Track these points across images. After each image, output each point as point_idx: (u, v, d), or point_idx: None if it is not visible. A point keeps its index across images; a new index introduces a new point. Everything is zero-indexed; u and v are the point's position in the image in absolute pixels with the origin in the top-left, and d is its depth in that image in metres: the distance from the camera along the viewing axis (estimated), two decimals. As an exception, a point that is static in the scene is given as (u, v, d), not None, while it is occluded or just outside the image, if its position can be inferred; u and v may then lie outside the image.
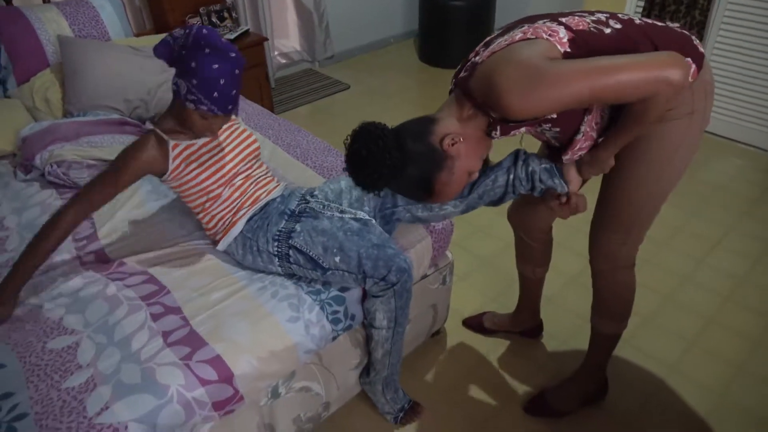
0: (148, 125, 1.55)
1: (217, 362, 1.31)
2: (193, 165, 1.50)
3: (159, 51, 1.40)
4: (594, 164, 1.34)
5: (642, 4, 3.22)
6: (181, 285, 1.52)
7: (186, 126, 1.44)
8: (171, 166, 1.47)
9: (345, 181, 1.66)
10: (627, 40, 1.15)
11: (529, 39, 1.14)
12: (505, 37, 1.19)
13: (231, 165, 1.57)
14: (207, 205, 1.56)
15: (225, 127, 1.61)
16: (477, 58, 1.21)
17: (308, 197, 1.65)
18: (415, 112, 3.64)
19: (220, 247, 1.61)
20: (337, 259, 1.47)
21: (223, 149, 1.56)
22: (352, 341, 1.62)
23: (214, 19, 3.14)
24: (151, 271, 1.57)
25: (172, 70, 2.42)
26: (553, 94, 1.06)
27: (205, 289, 1.50)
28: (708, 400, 1.83)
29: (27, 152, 2.00)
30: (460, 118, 1.24)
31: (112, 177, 1.42)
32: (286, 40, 4.24)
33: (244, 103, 2.54)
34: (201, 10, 3.09)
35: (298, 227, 1.54)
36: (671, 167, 1.33)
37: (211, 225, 1.60)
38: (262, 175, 1.67)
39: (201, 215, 1.59)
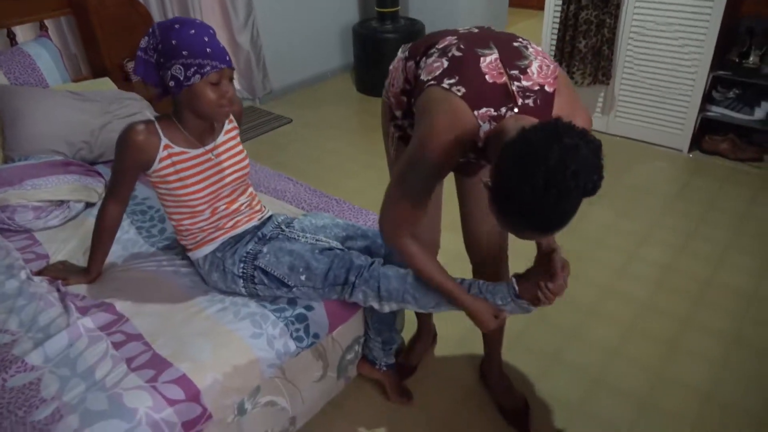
0: (98, 168, 1.56)
1: (183, 381, 1.34)
2: (183, 174, 1.51)
3: (139, 69, 1.45)
4: None
5: (557, 25, 3.49)
6: (139, 311, 1.55)
7: (196, 112, 1.44)
8: (156, 165, 1.48)
9: (328, 219, 1.72)
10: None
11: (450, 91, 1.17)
12: (443, 61, 1.22)
13: (221, 184, 1.58)
14: (185, 218, 1.58)
15: (223, 140, 1.59)
16: (421, 74, 1.27)
17: (284, 226, 1.70)
18: (357, 141, 3.79)
19: (191, 256, 1.65)
20: (303, 277, 1.53)
21: (216, 165, 1.56)
22: (313, 354, 1.67)
23: (152, 62, 3.18)
24: (107, 300, 1.59)
25: (115, 112, 2.48)
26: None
27: (164, 314, 1.53)
28: (645, 381, 1.98)
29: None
30: None
31: (116, 166, 1.51)
32: (225, 80, 4.31)
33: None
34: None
35: (265, 249, 1.59)
36: None
37: (183, 235, 1.62)
38: (246, 203, 1.68)
39: (175, 224, 1.61)
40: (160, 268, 1.72)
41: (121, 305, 1.57)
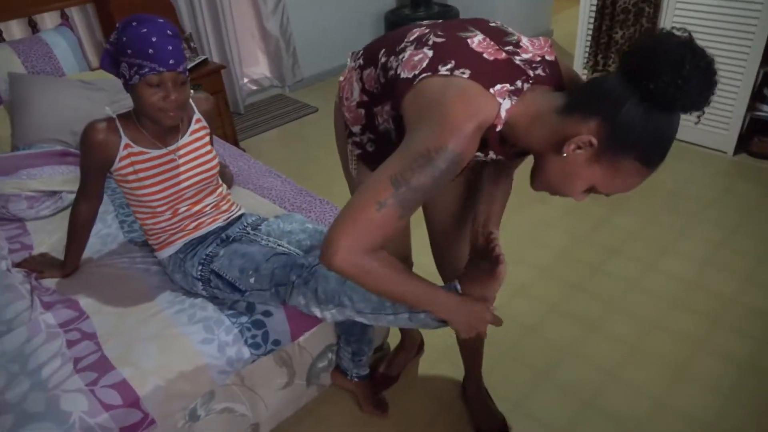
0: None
1: (122, 386, 1.32)
2: (141, 174, 1.49)
3: (104, 61, 1.42)
4: None
5: (593, 14, 3.26)
6: (100, 310, 1.54)
7: (141, 113, 1.43)
8: (116, 164, 1.47)
9: (297, 224, 1.66)
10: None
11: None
12: (424, 51, 1.08)
13: (182, 186, 1.55)
14: (147, 217, 1.57)
15: (188, 140, 1.56)
16: (399, 73, 1.11)
17: (250, 229, 1.67)
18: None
19: (157, 256, 1.64)
20: (252, 280, 1.48)
21: (177, 167, 1.54)
22: (276, 361, 1.62)
23: (172, 50, 3.20)
24: (73, 296, 1.59)
25: (124, 101, 2.51)
26: None
27: (123, 314, 1.52)
28: (645, 401, 1.82)
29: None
30: None
31: (81, 164, 1.50)
32: (255, 67, 4.31)
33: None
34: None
35: (222, 251, 1.55)
36: None
37: (149, 234, 1.62)
38: (212, 203, 1.65)
39: (140, 222, 1.61)
40: (132, 265, 1.72)
41: (85, 302, 1.57)
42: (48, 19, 2.93)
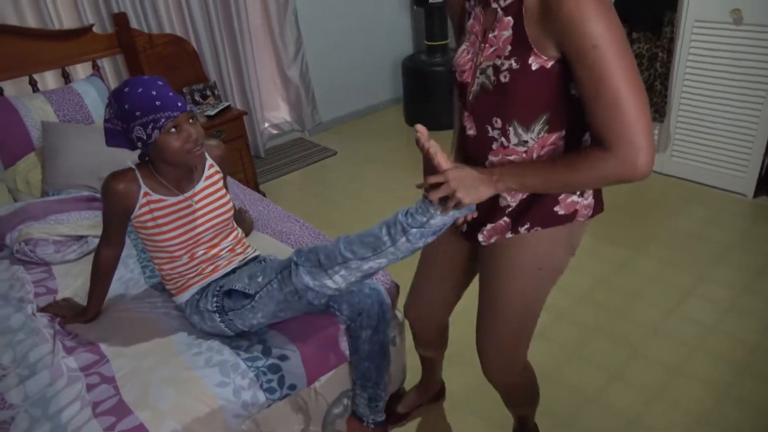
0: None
1: (139, 431, 1.33)
2: (160, 221, 1.54)
3: (110, 141, 1.51)
4: (480, 183, 1.11)
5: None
6: (120, 353, 1.57)
7: (168, 162, 1.47)
8: (136, 212, 1.53)
9: None
10: None
11: None
12: None
13: (198, 230, 1.60)
14: (165, 262, 1.61)
15: (204, 185, 1.62)
16: None
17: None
18: (401, 173, 3.74)
19: (176, 300, 1.68)
20: (260, 278, 1.51)
21: (194, 212, 1.59)
22: (292, 406, 1.63)
23: (197, 98, 3.32)
24: (94, 340, 1.63)
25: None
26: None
27: (141, 357, 1.55)
28: (671, 456, 1.77)
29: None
30: None
31: (103, 212, 1.56)
32: (276, 112, 4.43)
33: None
34: (184, 89, 3.28)
35: (233, 276, 1.61)
36: (548, 270, 1.29)
37: (166, 279, 1.66)
38: (228, 247, 1.70)
39: (157, 268, 1.65)
40: (153, 309, 1.75)
41: (105, 346, 1.60)
42: (80, 69, 3.07)
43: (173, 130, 1.40)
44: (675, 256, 2.68)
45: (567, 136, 1.12)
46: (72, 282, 1.93)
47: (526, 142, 1.12)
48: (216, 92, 3.40)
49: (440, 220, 1.21)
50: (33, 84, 2.85)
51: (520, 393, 1.58)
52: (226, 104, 3.32)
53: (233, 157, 3.28)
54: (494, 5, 1.08)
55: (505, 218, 1.23)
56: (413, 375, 2.01)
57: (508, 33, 1.06)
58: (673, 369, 2.08)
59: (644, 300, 2.43)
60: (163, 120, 1.38)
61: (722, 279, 2.50)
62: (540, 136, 1.11)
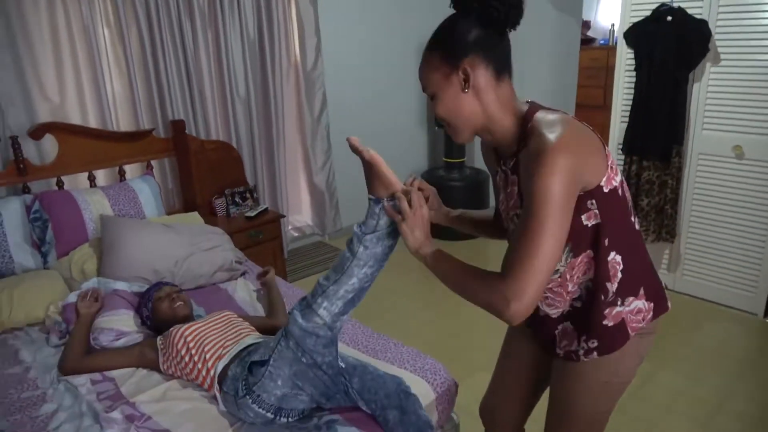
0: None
1: None
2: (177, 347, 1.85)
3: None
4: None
5: (619, 183, 3.60)
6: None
7: (165, 321, 2.06)
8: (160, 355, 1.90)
9: None
10: None
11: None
12: None
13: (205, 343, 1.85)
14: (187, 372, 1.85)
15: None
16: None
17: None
18: (417, 278, 3.87)
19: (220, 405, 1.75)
20: (271, 343, 1.62)
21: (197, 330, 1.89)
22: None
23: (237, 199, 3.50)
24: (154, 416, 1.70)
25: (199, 244, 2.71)
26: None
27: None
28: None
29: (67, 318, 2.19)
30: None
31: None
32: (299, 216, 4.62)
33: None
34: (226, 191, 3.47)
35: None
36: (616, 383, 1.36)
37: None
38: (231, 341, 1.86)
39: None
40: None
41: (161, 416, 1.68)
42: (129, 169, 3.26)
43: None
44: (701, 372, 2.77)
45: (594, 255, 1.24)
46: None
47: (557, 270, 1.26)
48: (255, 195, 3.59)
49: (386, 219, 1.34)
50: (91, 179, 3.02)
51: None
52: (264, 207, 3.51)
53: (268, 256, 3.41)
54: (504, 167, 1.31)
55: (568, 330, 1.33)
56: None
57: (516, 189, 1.27)
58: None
59: (676, 413, 2.49)
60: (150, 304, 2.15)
61: (748, 395, 2.59)
62: (568, 261, 1.25)
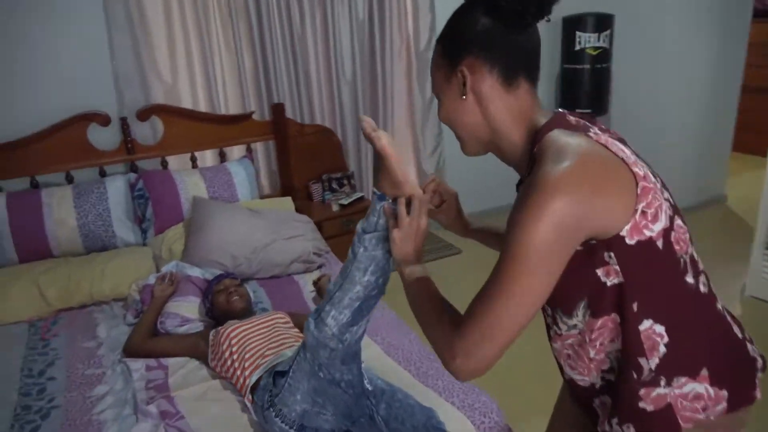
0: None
1: None
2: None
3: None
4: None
5: None
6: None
7: (223, 313, 2.07)
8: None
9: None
10: None
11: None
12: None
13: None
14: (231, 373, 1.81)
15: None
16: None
17: None
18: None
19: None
20: (292, 354, 1.56)
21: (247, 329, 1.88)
22: None
23: (334, 185, 3.45)
24: (187, 416, 1.70)
25: (281, 233, 2.70)
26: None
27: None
28: None
29: (143, 299, 2.29)
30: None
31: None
32: (406, 202, 4.48)
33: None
34: (323, 176, 3.43)
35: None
36: None
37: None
38: (272, 351, 1.79)
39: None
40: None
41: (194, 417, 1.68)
42: (236, 150, 3.34)
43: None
44: None
45: (621, 321, 0.96)
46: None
47: (575, 325, 1.01)
48: (352, 182, 3.51)
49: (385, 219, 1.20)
50: (193, 160, 3.14)
51: None
52: (360, 194, 3.41)
53: (358, 246, 3.32)
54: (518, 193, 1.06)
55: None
56: None
57: None
58: None
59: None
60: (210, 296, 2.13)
61: None
62: (585, 320, 0.99)
